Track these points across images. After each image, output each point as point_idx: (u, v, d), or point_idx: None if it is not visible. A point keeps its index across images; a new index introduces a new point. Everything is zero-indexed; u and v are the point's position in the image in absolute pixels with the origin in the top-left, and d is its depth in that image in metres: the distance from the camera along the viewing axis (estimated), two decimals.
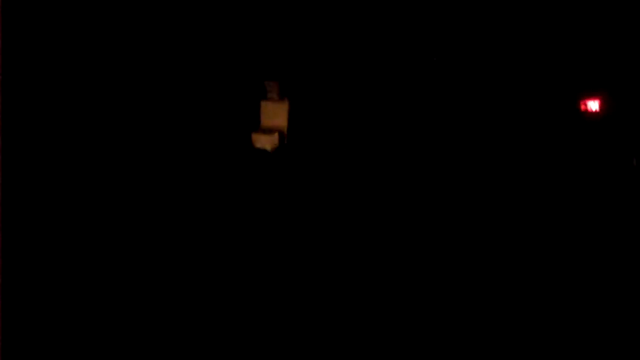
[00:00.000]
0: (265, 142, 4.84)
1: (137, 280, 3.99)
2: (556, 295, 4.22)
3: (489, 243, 4.48)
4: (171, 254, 4.19)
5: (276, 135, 4.84)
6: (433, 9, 4.88)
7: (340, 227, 4.62)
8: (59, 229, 3.92)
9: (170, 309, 3.92)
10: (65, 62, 4.23)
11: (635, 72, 4.89)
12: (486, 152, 4.74)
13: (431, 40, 4.84)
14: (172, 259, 4.18)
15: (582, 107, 4.85)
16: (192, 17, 4.60)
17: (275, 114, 4.85)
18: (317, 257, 4.47)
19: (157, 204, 4.36)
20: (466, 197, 4.66)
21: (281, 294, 4.16)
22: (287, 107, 4.85)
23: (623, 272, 4.30)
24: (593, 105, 4.84)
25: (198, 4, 4.65)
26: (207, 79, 4.70)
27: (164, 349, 3.62)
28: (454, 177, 4.73)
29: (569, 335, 3.85)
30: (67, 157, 4.16)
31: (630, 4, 4.93)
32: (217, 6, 4.66)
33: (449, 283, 4.32)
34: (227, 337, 3.83)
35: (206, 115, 4.72)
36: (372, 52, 4.86)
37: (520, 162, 4.75)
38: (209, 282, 4.15)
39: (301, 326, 3.94)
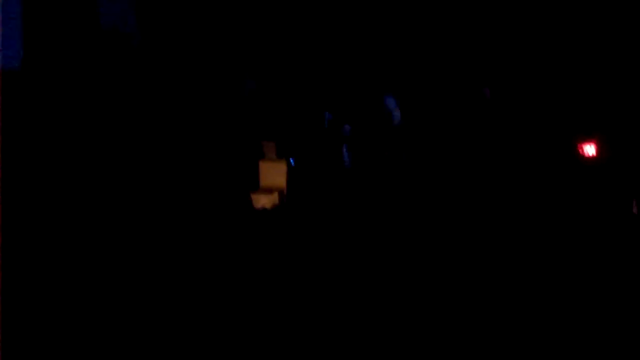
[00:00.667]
0: (265, 201, 4.91)
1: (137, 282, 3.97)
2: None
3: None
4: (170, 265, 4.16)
5: (276, 194, 4.92)
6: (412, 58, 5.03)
7: (338, 281, 4.60)
8: (58, 229, 3.99)
9: (170, 309, 3.89)
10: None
11: (632, 117, 4.89)
12: (486, 196, 4.73)
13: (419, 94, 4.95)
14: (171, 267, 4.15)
15: (580, 151, 4.84)
16: (188, 79, 4.80)
17: (274, 173, 4.95)
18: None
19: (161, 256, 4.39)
20: (467, 246, 4.62)
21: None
22: (285, 166, 4.94)
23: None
24: (590, 149, 4.83)
25: (194, 67, 4.86)
26: (205, 140, 4.83)
27: (163, 349, 3.58)
28: (455, 229, 4.69)
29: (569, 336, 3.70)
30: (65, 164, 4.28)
31: (621, 49, 5.00)
32: (212, 67, 4.87)
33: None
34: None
35: (206, 176, 4.83)
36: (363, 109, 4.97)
37: (519, 207, 4.72)
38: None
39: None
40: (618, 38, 4.98)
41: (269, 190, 4.93)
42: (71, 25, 4.58)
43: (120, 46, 4.76)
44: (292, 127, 5.01)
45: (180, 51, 5.01)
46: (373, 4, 5.29)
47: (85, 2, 4.64)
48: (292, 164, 4.97)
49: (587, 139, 4.84)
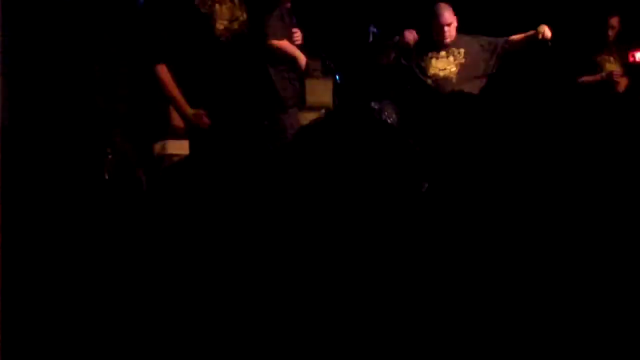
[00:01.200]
0: (312, 118, 4.93)
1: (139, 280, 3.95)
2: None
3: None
4: (177, 251, 4.11)
5: (322, 112, 4.93)
6: None
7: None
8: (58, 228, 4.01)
9: (172, 310, 3.88)
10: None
11: None
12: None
13: None
14: (178, 257, 4.11)
15: (631, 58, 4.76)
16: None
17: (320, 91, 4.96)
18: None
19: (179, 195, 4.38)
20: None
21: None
22: (331, 83, 4.95)
23: None
24: None
25: None
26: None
27: (165, 350, 3.59)
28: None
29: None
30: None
31: None
32: None
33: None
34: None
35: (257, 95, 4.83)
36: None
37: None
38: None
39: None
40: None
41: (315, 108, 4.94)
42: None
43: None
44: (337, 43, 4.98)
45: None
46: None
47: None
48: (338, 80, 4.96)
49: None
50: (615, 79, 4.97)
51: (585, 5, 5.49)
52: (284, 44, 4.30)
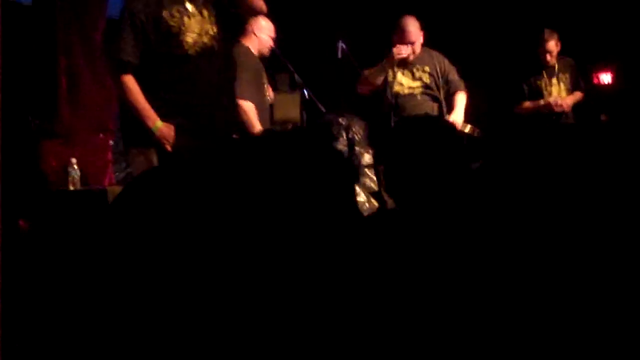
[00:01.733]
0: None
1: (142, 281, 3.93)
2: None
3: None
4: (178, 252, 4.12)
5: (289, 126, 4.91)
6: None
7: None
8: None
9: (173, 311, 3.85)
10: None
11: None
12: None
13: None
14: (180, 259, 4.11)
15: (595, 79, 4.79)
16: None
17: (288, 105, 4.94)
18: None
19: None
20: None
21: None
22: (299, 98, 4.92)
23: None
24: (605, 77, 4.77)
25: None
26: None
27: (166, 350, 3.55)
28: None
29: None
30: None
31: None
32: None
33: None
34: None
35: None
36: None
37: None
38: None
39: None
40: None
41: (283, 123, 4.92)
42: None
43: None
44: (305, 58, 4.97)
45: None
46: None
47: None
48: (306, 95, 4.95)
49: (604, 67, 4.78)
50: (555, 109, 4.85)
51: (522, 28, 5.43)
52: (249, 109, 4.22)
